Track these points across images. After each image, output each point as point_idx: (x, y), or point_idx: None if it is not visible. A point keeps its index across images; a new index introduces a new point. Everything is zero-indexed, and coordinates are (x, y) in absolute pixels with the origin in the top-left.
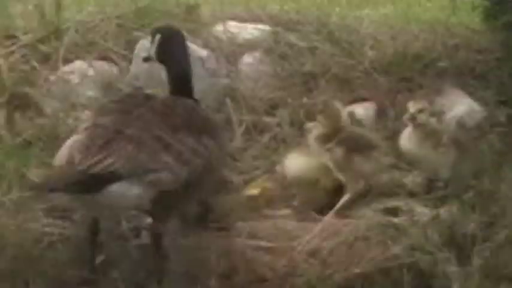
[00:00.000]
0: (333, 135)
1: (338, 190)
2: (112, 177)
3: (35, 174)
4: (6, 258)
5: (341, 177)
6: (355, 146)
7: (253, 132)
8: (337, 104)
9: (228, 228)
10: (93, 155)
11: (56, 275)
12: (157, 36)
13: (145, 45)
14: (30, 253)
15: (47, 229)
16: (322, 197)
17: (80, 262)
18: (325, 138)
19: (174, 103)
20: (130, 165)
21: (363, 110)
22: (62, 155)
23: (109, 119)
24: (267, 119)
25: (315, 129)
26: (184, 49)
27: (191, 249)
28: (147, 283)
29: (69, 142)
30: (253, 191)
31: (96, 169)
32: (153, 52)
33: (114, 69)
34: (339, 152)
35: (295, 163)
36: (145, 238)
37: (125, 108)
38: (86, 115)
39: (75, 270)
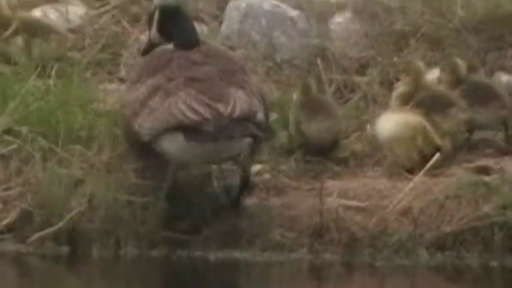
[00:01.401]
0: (415, 94)
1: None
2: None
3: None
4: (98, 218)
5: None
6: (434, 105)
7: (343, 92)
8: (419, 63)
9: (319, 188)
10: (226, 104)
11: (147, 235)
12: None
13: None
14: (121, 214)
15: (138, 190)
16: (413, 156)
17: (170, 223)
18: (407, 97)
19: (219, 49)
20: (252, 110)
21: None
22: (178, 109)
23: (197, 71)
24: (358, 79)
25: (398, 88)
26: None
27: (283, 207)
28: (238, 243)
29: (175, 99)
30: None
31: (243, 115)
32: (154, 29)
33: (205, 29)
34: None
35: (389, 122)
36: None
37: (192, 60)
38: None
39: (165, 231)
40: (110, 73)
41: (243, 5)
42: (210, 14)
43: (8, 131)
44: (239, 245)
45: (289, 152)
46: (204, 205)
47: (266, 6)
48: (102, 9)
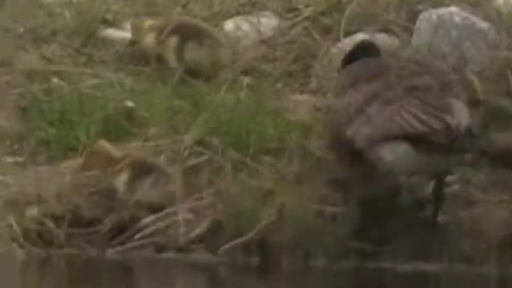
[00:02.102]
0: None
1: None
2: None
3: (314, 147)
4: (288, 230)
5: None
6: None
7: None
8: None
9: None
10: (452, 116)
11: (336, 247)
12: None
13: None
14: (311, 225)
15: (328, 201)
16: None
17: (359, 234)
18: None
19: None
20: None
21: None
22: (402, 118)
23: (416, 80)
24: None
25: None
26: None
27: (472, 219)
28: (427, 255)
29: (396, 108)
30: None
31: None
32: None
33: (396, 41)
34: None
35: None
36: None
37: (410, 69)
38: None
39: (355, 243)
40: (301, 84)
41: (434, 17)
42: (400, 26)
43: (199, 142)
44: (429, 258)
45: (477, 162)
46: (393, 217)
47: (456, 18)
48: (294, 21)
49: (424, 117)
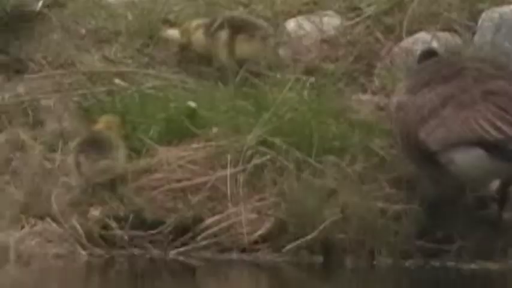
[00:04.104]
0: None
1: None
2: None
3: (377, 146)
4: (352, 228)
5: None
6: None
7: None
8: None
9: None
10: None
11: (400, 245)
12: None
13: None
14: (374, 224)
15: (391, 200)
16: None
17: (424, 233)
18: None
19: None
20: None
21: None
22: (478, 124)
23: (492, 84)
24: None
25: None
26: None
27: None
28: (491, 254)
29: (472, 113)
30: None
31: None
32: None
33: (458, 40)
34: None
35: None
36: (491, 208)
37: (486, 72)
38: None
39: (419, 241)
40: (363, 84)
41: (496, 15)
42: (462, 25)
43: (262, 142)
44: (493, 256)
45: None
46: (458, 216)
47: None
48: (356, 20)
49: (499, 124)
